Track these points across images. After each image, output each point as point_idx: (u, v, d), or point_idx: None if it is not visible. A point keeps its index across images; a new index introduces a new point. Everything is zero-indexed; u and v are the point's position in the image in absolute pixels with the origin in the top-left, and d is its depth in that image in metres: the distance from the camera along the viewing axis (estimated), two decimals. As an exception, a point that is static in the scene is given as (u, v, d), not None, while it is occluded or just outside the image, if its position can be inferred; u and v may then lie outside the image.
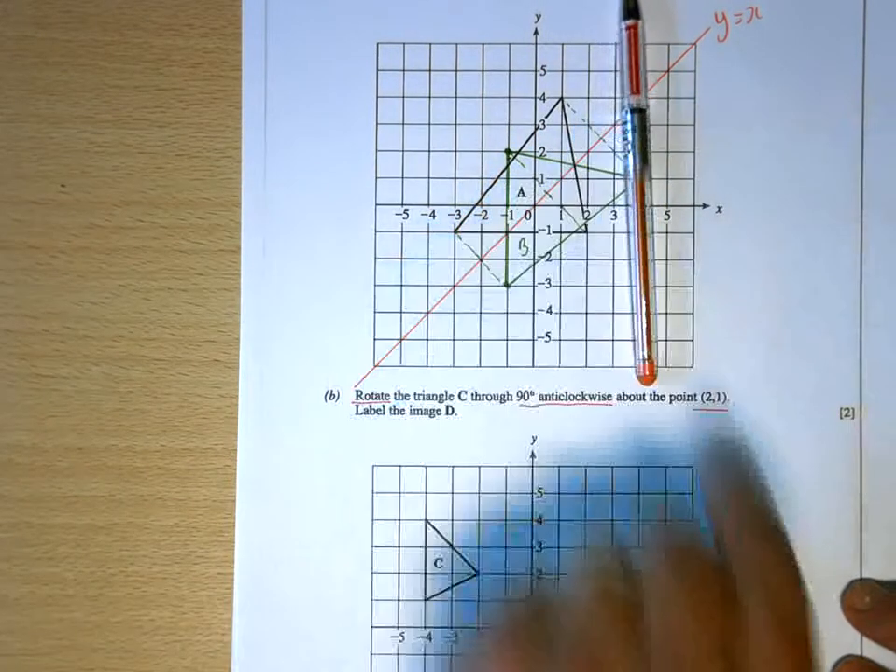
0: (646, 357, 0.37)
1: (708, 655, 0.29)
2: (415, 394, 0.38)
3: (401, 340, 0.38)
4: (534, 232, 0.38)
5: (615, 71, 0.38)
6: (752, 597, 0.31)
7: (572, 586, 0.32)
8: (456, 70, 0.39)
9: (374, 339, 0.38)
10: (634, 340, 0.38)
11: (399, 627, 0.38)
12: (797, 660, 0.30)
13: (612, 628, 0.30)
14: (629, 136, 0.38)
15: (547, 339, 0.38)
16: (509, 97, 0.39)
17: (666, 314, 0.38)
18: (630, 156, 0.38)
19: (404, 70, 0.39)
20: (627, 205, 0.38)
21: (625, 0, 0.38)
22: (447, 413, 0.38)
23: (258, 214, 0.38)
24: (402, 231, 0.38)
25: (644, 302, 0.37)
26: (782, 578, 0.31)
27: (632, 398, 0.38)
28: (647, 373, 0.37)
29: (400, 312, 0.38)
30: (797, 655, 0.30)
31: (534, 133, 0.39)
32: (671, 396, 0.38)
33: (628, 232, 0.38)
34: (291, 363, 0.38)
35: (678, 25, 0.38)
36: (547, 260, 0.38)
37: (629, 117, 0.38)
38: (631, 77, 0.38)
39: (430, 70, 0.39)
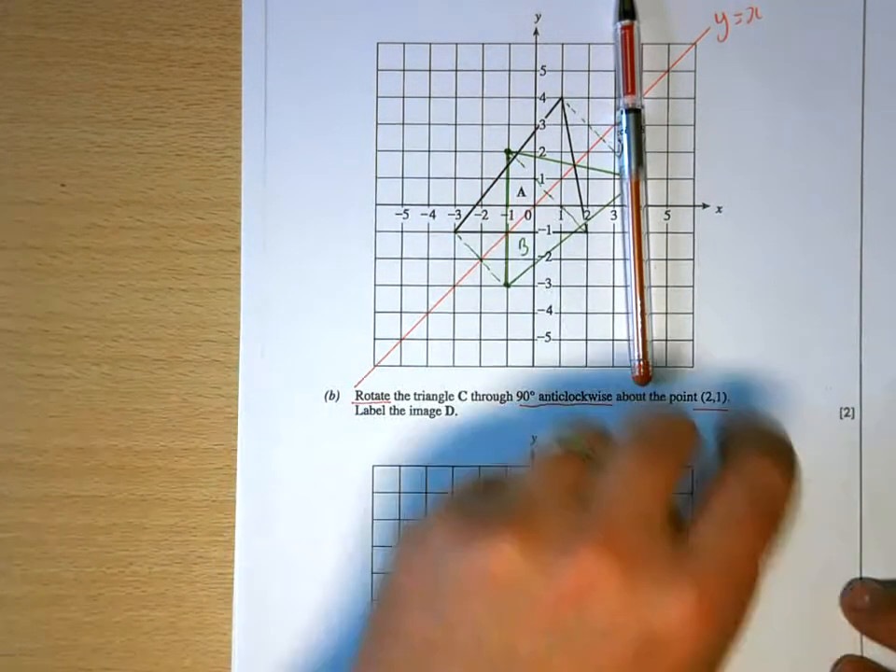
0: (640, 357, 0.37)
1: (653, 499, 0.29)
2: (415, 394, 0.38)
3: (401, 340, 0.38)
4: (534, 232, 0.38)
5: (615, 71, 0.38)
6: (734, 469, 0.30)
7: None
8: (456, 70, 0.39)
9: (374, 339, 0.38)
10: (629, 340, 0.38)
11: (398, 627, 0.38)
12: (761, 528, 0.30)
13: (553, 480, 0.30)
14: (623, 137, 0.38)
15: (547, 339, 0.38)
16: (509, 97, 0.39)
17: (666, 314, 0.38)
18: (625, 156, 0.38)
19: (404, 70, 0.39)
20: (622, 206, 0.38)
21: (621, 1, 0.38)
22: (447, 413, 0.38)
23: (258, 214, 0.38)
24: (402, 231, 0.38)
25: (639, 303, 0.37)
26: (774, 466, 0.31)
27: (632, 398, 0.38)
28: (641, 374, 0.37)
29: (400, 312, 0.38)
30: (763, 525, 0.30)
31: (534, 132, 0.39)
32: (671, 396, 0.38)
33: (623, 232, 0.38)
34: (291, 363, 0.38)
35: (677, 25, 0.38)
36: (547, 260, 0.38)
37: (623, 117, 0.38)
38: (626, 77, 0.38)
39: (430, 70, 0.39)
